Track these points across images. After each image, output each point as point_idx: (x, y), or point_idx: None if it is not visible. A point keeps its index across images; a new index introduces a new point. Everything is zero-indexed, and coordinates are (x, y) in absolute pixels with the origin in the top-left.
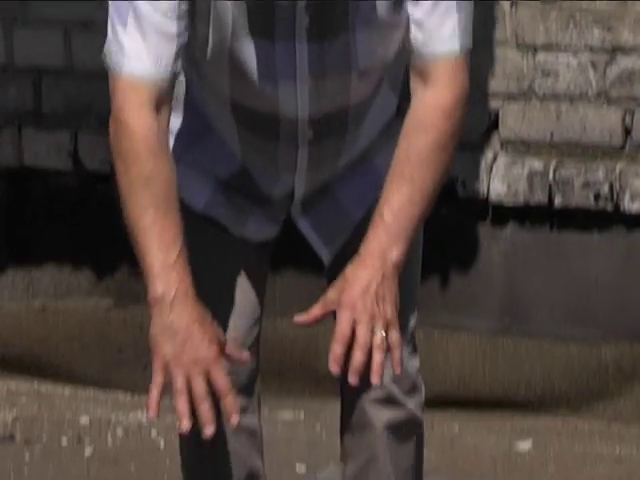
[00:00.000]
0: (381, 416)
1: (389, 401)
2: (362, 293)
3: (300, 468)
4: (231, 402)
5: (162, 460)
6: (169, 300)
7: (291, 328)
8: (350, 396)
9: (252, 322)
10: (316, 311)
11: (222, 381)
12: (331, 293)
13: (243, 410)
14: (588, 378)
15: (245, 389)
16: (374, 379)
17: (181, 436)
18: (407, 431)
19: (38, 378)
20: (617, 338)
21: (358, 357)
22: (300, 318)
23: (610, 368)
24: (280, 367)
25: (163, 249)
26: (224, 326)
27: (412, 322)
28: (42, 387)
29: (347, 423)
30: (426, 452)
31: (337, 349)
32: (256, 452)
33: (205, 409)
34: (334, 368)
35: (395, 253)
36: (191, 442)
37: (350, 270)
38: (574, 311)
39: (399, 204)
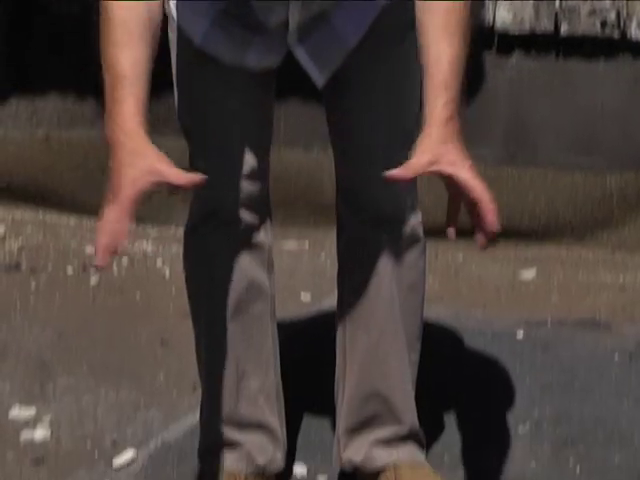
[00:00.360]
0: (381, 230)
1: (392, 217)
2: (462, 155)
3: (305, 297)
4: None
5: (167, 289)
6: (117, 142)
7: (295, 158)
8: (350, 215)
9: (262, 150)
10: (419, 163)
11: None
12: (421, 156)
13: (254, 226)
14: (592, 207)
15: (257, 207)
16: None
17: (186, 258)
18: (408, 243)
19: (43, 207)
20: (622, 167)
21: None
22: (395, 172)
23: (615, 197)
24: (284, 197)
25: (113, 83)
26: (233, 156)
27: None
28: (47, 217)
29: (346, 241)
30: (430, 281)
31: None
32: (260, 266)
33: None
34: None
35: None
36: (193, 252)
37: (437, 130)
38: (579, 140)
39: (456, 58)
